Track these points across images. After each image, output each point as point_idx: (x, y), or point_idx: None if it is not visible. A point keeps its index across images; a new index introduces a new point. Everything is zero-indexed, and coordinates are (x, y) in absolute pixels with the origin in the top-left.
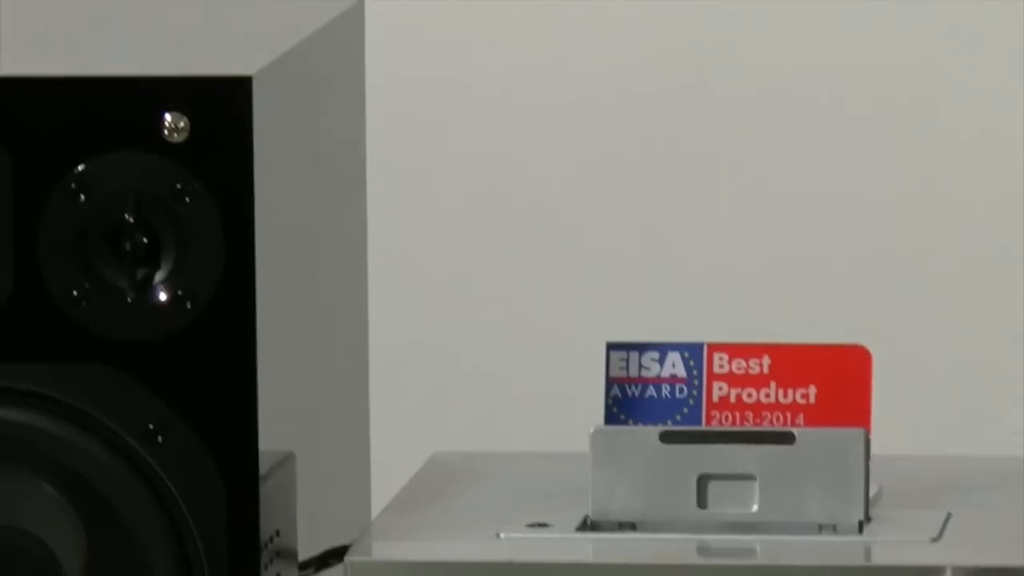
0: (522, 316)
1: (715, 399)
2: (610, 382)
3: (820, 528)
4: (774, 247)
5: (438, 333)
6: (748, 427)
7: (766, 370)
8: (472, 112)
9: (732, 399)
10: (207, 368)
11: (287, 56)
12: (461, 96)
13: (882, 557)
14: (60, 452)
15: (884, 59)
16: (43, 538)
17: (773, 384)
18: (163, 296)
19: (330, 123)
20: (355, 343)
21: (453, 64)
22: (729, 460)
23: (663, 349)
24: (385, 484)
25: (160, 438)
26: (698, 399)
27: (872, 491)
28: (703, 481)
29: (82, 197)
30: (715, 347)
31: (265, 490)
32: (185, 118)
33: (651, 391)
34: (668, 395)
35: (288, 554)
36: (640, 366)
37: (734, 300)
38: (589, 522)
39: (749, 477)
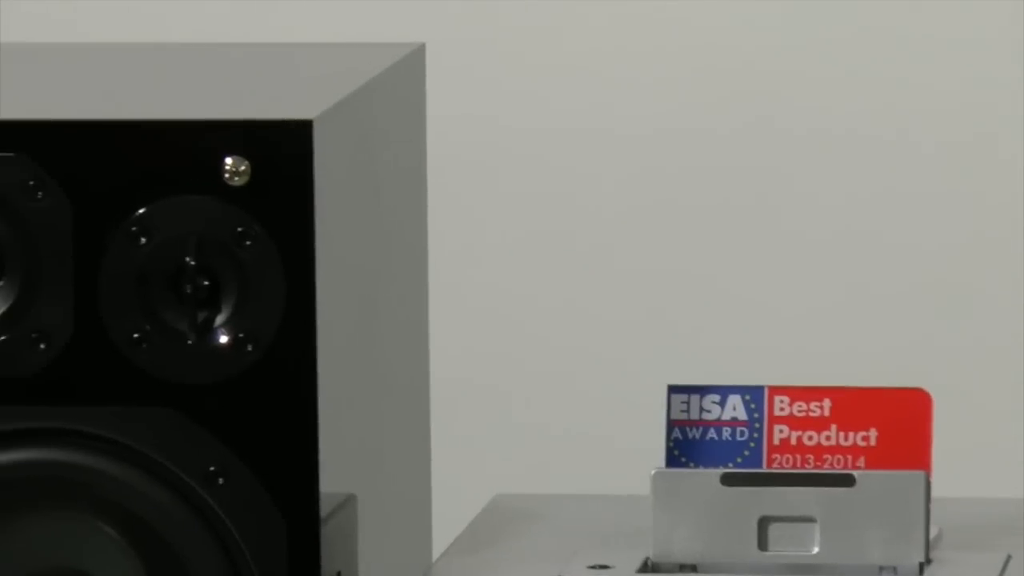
0: (583, 358)
1: (776, 442)
2: (671, 425)
3: (880, 570)
4: (835, 289)
5: (499, 375)
6: (809, 469)
7: (827, 413)
8: (532, 153)
9: (793, 442)
10: (268, 410)
11: (348, 100)
12: (521, 137)
13: None
14: (121, 495)
15: (944, 99)
16: None
17: (834, 427)
18: (224, 339)
19: (391, 166)
20: (416, 385)
21: (513, 106)
22: (790, 502)
23: (724, 392)
24: (446, 526)
25: (221, 480)
26: (759, 442)
27: (932, 533)
28: (764, 523)
29: (143, 241)
30: (776, 390)
31: (326, 532)
32: (246, 162)
33: (712, 434)
34: (729, 438)
35: None
36: (701, 409)
37: (795, 343)
38: (650, 564)
39: (810, 519)
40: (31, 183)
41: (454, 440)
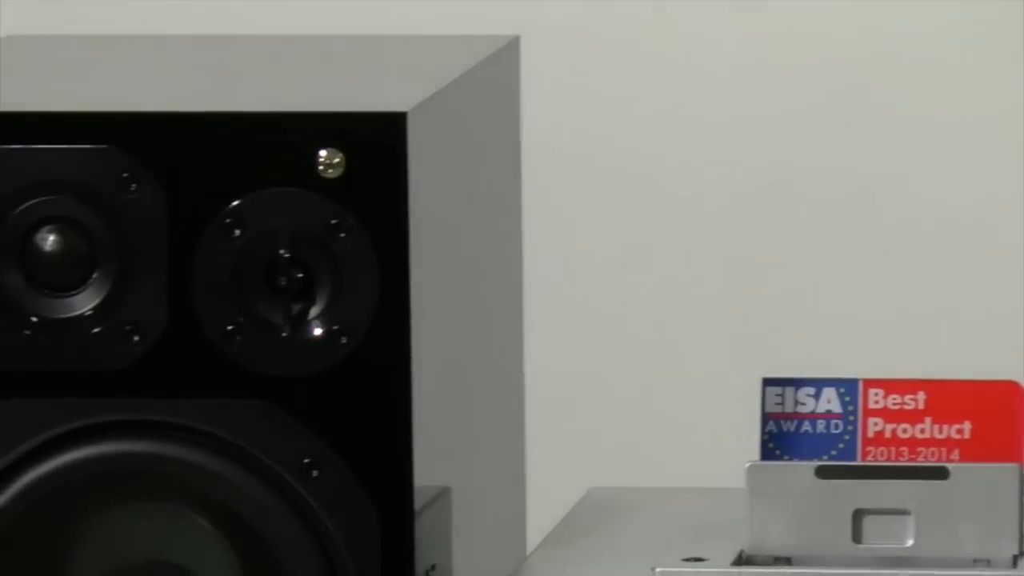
0: (678, 351)
1: (870, 434)
2: (766, 417)
3: (974, 562)
4: (930, 282)
5: (594, 368)
6: (903, 462)
7: (921, 405)
8: (627, 146)
9: (887, 434)
10: (362, 403)
11: (442, 92)
12: (617, 130)
13: None
14: (215, 487)
15: None
16: (198, 573)
17: (928, 420)
18: (318, 331)
19: (485, 159)
20: (511, 377)
21: (608, 99)
22: (884, 495)
23: (818, 385)
24: (541, 519)
25: (315, 473)
26: (853, 434)
27: None
28: (858, 516)
29: (237, 233)
30: (870, 383)
31: (420, 525)
32: (340, 154)
33: (806, 426)
34: (823, 430)
35: None
36: (796, 402)
37: (889, 335)
38: (744, 557)
39: (904, 512)
40: (125, 175)
41: (549, 433)
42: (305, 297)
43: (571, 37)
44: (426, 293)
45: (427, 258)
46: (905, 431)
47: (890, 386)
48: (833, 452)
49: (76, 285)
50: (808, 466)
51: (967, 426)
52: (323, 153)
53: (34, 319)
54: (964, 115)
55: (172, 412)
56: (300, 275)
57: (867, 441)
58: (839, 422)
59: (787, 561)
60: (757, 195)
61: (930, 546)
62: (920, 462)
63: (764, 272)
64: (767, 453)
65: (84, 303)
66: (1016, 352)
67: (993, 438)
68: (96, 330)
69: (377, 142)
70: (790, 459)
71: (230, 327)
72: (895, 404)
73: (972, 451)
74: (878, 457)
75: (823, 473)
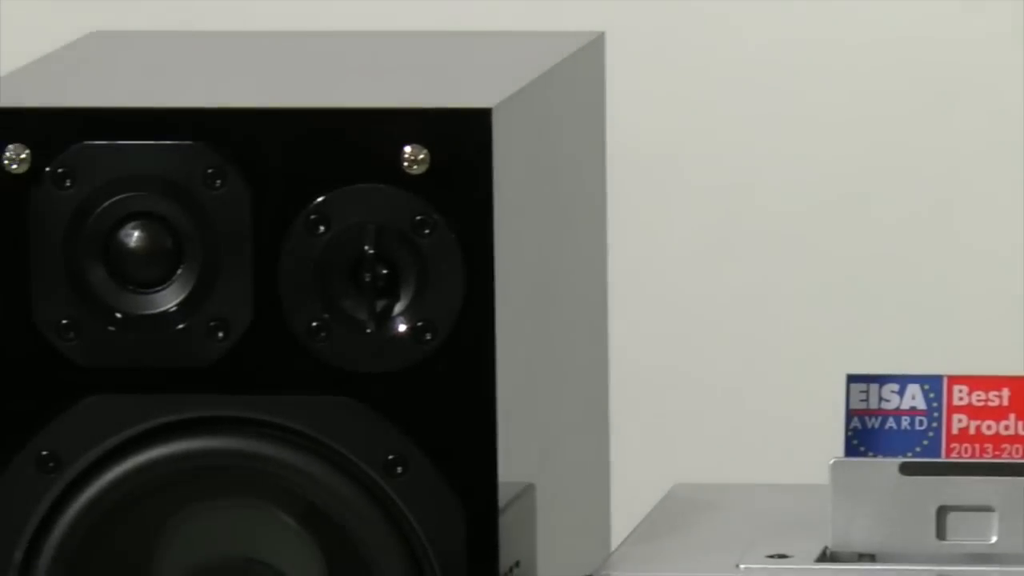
0: (762, 347)
1: (955, 431)
2: (850, 414)
3: None
4: (1014, 280)
5: (678, 364)
6: (987, 459)
7: (1006, 402)
8: (713, 142)
9: (972, 431)
10: (447, 399)
11: (527, 89)
12: (702, 127)
13: None
14: (300, 484)
15: None
16: (283, 570)
17: (1012, 416)
18: (403, 327)
19: (569, 155)
20: (595, 374)
21: (694, 96)
22: (968, 492)
23: (903, 381)
24: (625, 516)
25: (400, 469)
26: (938, 431)
27: None
28: (942, 513)
29: (322, 229)
30: (955, 379)
31: (505, 521)
32: (425, 150)
33: (891, 423)
34: (908, 427)
35: None
36: (880, 398)
37: (974, 332)
38: (829, 553)
39: (988, 509)
40: (211, 171)
41: (633, 430)
42: (390, 293)
43: (656, 34)
44: (511, 289)
45: (511, 254)
46: (989, 428)
47: (974, 383)
48: (917, 449)
49: (161, 281)
50: (892, 463)
51: None
52: (408, 149)
53: (119, 315)
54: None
55: (256, 409)
56: (385, 271)
57: (951, 438)
58: (923, 419)
59: (871, 558)
60: (842, 192)
61: (1014, 543)
62: (1004, 459)
63: (850, 269)
64: (851, 450)
65: (169, 299)
66: None
67: None
68: (181, 326)
69: (462, 138)
70: (874, 456)
71: (315, 323)
72: (979, 401)
73: None
74: (962, 454)
75: (907, 470)
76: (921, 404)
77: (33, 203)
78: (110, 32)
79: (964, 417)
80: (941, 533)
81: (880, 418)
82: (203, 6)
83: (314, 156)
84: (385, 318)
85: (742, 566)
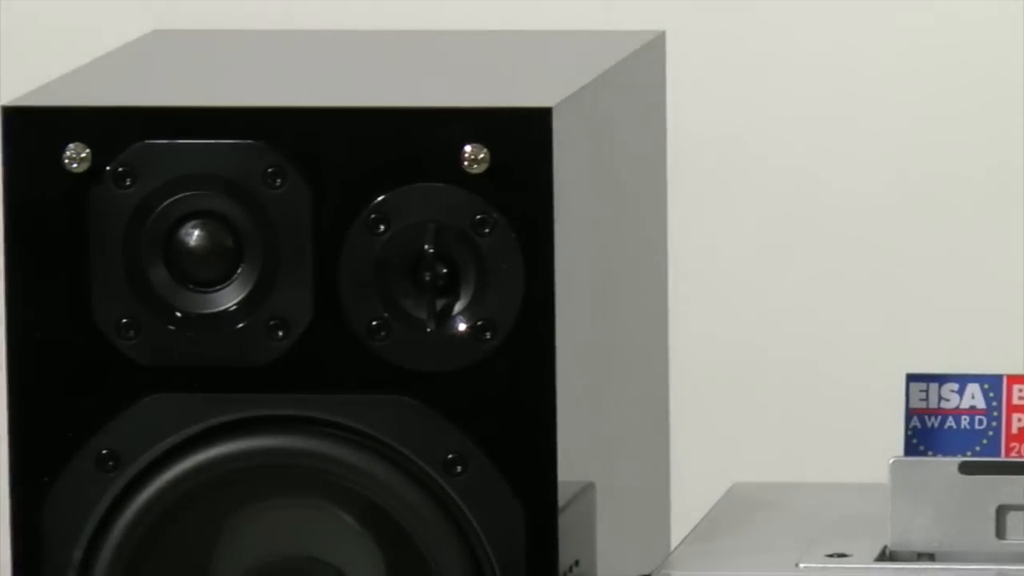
0: (822, 346)
1: (1014, 430)
2: (909, 413)
3: None
4: None
5: (738, 363)
6: None
7: None
8: (773, 142)
9: None
10: (506, 398)
11: (587, 88)
12: (762, 127)
13: None
14: (360, 483)
15: None
16: (343, 569)
17: None
18: (462, 327)
19: (630, 156)
20: (655, 373)
21: (754, 95)
22: None
23: (962, 381)
24: (685, 514)
25: (459, 469)
26: (997, 430)
27: None
28: (1002, 512)
29: (382, 228)
30: (1014, 378)
31: (564, 520)
32: (485, 149)
33: (950, 422)
34: (967, 426)
35: None
36: (940, 397)
37: None
38: (888, 552)
39: None
40: (270, 170)
41: (693, 428)
42: (450, 293)
43: (717, 33)
44: (570, 288)
45: (572, 253)
46: None
47: None
48: (977, 448)
49: (221, 280)
50: (952, 462)
51: None
52: (468, 148)
53: (179, 314)
54: None
55: (316, 408)
56: (445, 270)
57: (1011, 437)
58: (983, 418)
59: (930, 557)
60: (901, 191)
61: None
62: None
63: (910, 268)
64: (911, 449)
65: (229, 298)
66: None
67: None
68: (241, 325)
69: (522, 137)
70: (934, 455)
71: (375, 322)
72: None
73: None
74: (1022, 453)
75: (967, 469)
76: (981, 403)
77: (93, 202)
78: (171, 31)
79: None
80: (1000, 532)
81: (940, 417)
82: (264, 5)
83: (374, 155)
84: (445, 317)
85: (802, 565)
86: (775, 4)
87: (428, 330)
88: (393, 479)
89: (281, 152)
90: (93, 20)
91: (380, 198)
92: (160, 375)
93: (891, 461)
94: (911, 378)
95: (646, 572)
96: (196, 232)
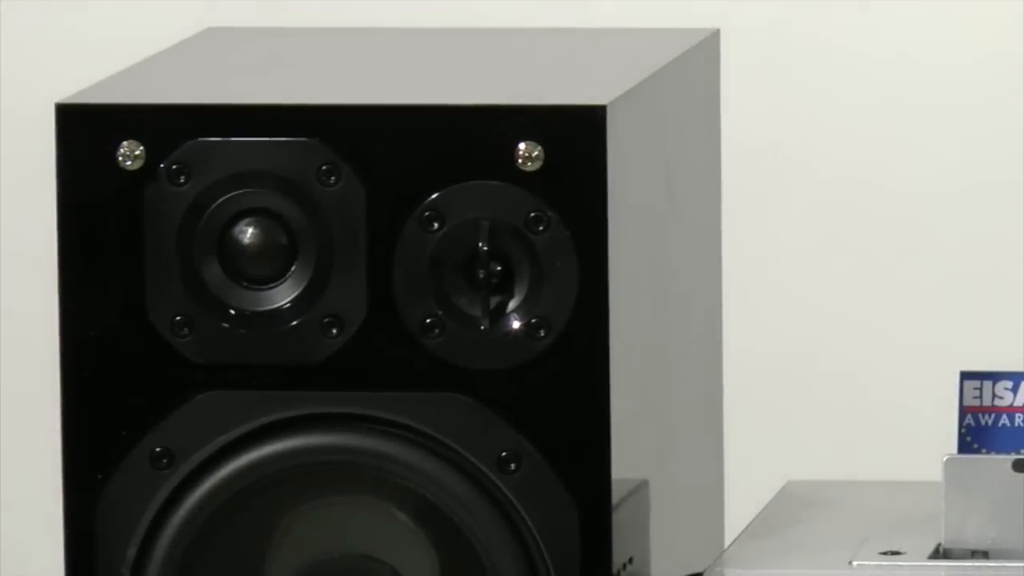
0: (875, 344)
1: None
2: (963, 411)
3: None
4: None
5: (792, 361)
6: None
7: None
8: (828, 139)
9: None
10: (560, 396)
11: (641, 86)
12: (818, 124)
13: None
14: (414, 480)
15: None
16: (396, 567)
17: None
18: (516, 324)
19: (684, 154)
20: (709, 370)
21: (809, 93)
22: None
23: (1017, 378)
24: (738, 512)
25: (513, 466)
26: None
27: None
28: None
29: (436, 226)
30: None
31: (618, 518)
32: (539, 147)
33: (1004, 420)
34: (1021, 424)
35: None
36: (993, 395)
37: None
38: (942, 550)
39: None
40: (325, 168)
41: (747, 427)
42: (504, 290)
43: (772, 31)
44: (625, 285)
45: (626, 251)
46: None
47: None
48: None
49: (275, 278)
50: (1006, 459)
51: None
52: (522, 146)
53: (233, 312)
54: None
55: (370, 405)
56: (499, 268)
57: None
58: None
59: (984, 555)
60: (957, 187)
61: None
62: None
63: (965, 264)
64: (965, 446)
65: (283, 296)
66: None
67: None
68: (295, 323)
69: (576, 135)
70: (988, 453)
71: (428, 320)
72: None
73: None
74: None
75: (1021, 466)
76: None
77: (147, 200)
78: (226, 28)
79: None
80: None
81: (993, 415)
82: (318, 3)
83: (428, 153)
84: (499, 315)
85: (855, 563)
86: (829, 2)
87: (482, 328)
88: (447, 476)
89: (335, 150)
90: (148, 18)
91: (434, 196)
92: (214, 373)
93: (945, 459)
94: (965, 376)
95: (699, 570)
96: (250, 230)
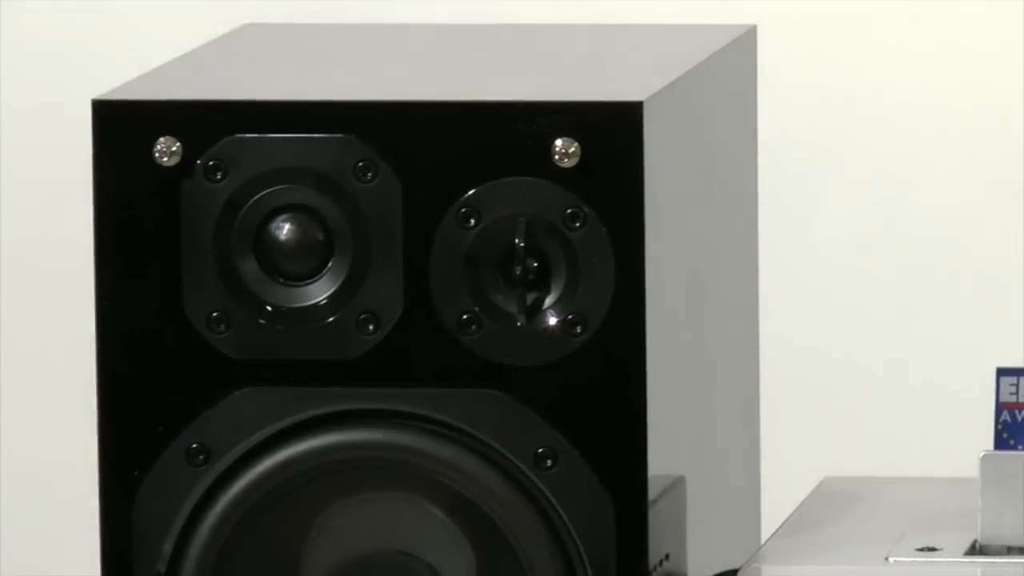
0: (912, 340)
1: None
2: (1000, 407)
3: None
4: None
5: (829, 357)
6: None
7: None
8: (865, 136)
9: None
10: (597, 392)
11: (678, 82)
12: (854, 121)
13: None
14: (450, 476)
15: None
16: (433, 563)
17: None
18: (553, 320)
19: (720, 150)
20: (746, 367)
21: (846, 89)
22: None
23: None
24: (775, 509)
25: (549, 463)
26: None
27: None
28: None
29: (472, 222)
30: None
31: (654, 514)
32: (576, 144)
33: None
34: None
35: None
36: None
37: None
38: (978, 546)
39: None
40: (361, 164)
41: (783, 422)
42: (540, 286)
43: (809, 27)
44: (661, 282)
45: (662, 247)
46: None
47: None
48: None
49: (312, 274)
50: None
51: None
52: (559, 143)
53: (269, 308)
54: None
55: (406, 401)
56: (535, 264)
57: None
58: None
59: (1020, 551)
60: (992, 185)
61: None
62: None
63: (1001, 261)
64: (1001, 443)
65: (319, 292)
66: None
67: None
68: (331, 319)
69: (613, 131)
70: None
71: (465, 316)
72: None
73: None
74: None
75: None
76: None
77: (184, 196)
78: (263, 24)
79: None
80: None
81: None
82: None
83: (465, 149)
84: (535, 311)
85: (891, 559)
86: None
87: (519, 324)
88: (483, 473)
89: (372, 146)
90: (185, 14)
91: (471, 192)
92: (250, 369)
93: (981, 455)
94: (1001, 372)
95: (736, 567)
96: (287, 226)
